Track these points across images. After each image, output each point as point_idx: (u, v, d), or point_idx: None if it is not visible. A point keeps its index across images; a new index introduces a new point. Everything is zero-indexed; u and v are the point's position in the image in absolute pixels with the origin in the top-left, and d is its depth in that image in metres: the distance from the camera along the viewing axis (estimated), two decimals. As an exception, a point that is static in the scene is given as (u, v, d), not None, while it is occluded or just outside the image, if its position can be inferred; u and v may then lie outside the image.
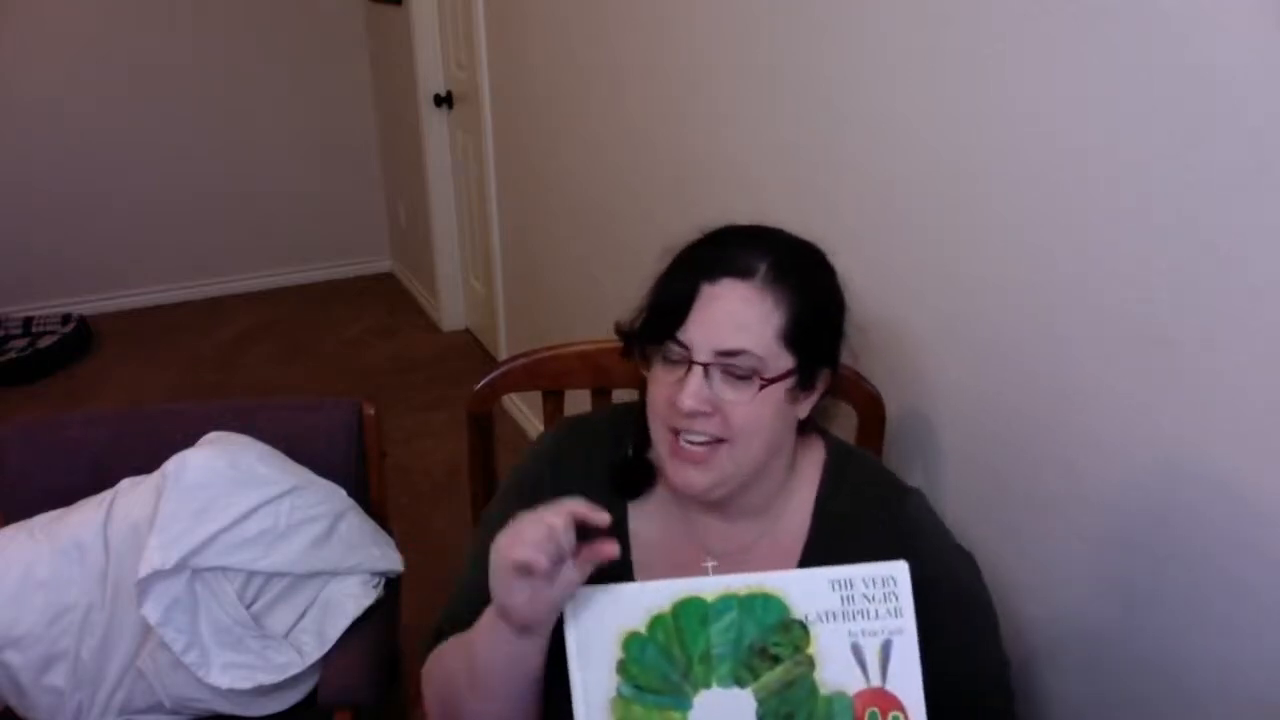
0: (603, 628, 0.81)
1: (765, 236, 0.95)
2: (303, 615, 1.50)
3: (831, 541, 0.98)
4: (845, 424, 1.24)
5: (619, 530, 0.97)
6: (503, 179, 3.06)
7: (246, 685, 1.40)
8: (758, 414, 0.90)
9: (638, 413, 1.02)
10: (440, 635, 1.00)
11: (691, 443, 0.90)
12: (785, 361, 0.90)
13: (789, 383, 0.91)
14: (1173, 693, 1.02)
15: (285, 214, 4.47)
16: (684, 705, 0.80)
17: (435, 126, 3.69)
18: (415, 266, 4.37)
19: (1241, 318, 0.88)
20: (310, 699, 1.47)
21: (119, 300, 4.29)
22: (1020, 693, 1.00)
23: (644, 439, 1.01)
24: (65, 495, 1.53)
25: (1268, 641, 0.91)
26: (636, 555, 0.99)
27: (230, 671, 1.40)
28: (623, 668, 0.81)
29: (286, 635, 1.48)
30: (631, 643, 0.81)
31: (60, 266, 4.14)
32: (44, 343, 3.73)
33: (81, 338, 3.88)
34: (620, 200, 2.20)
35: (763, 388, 0.89)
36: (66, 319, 3.92)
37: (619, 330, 1.00)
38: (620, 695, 0.80)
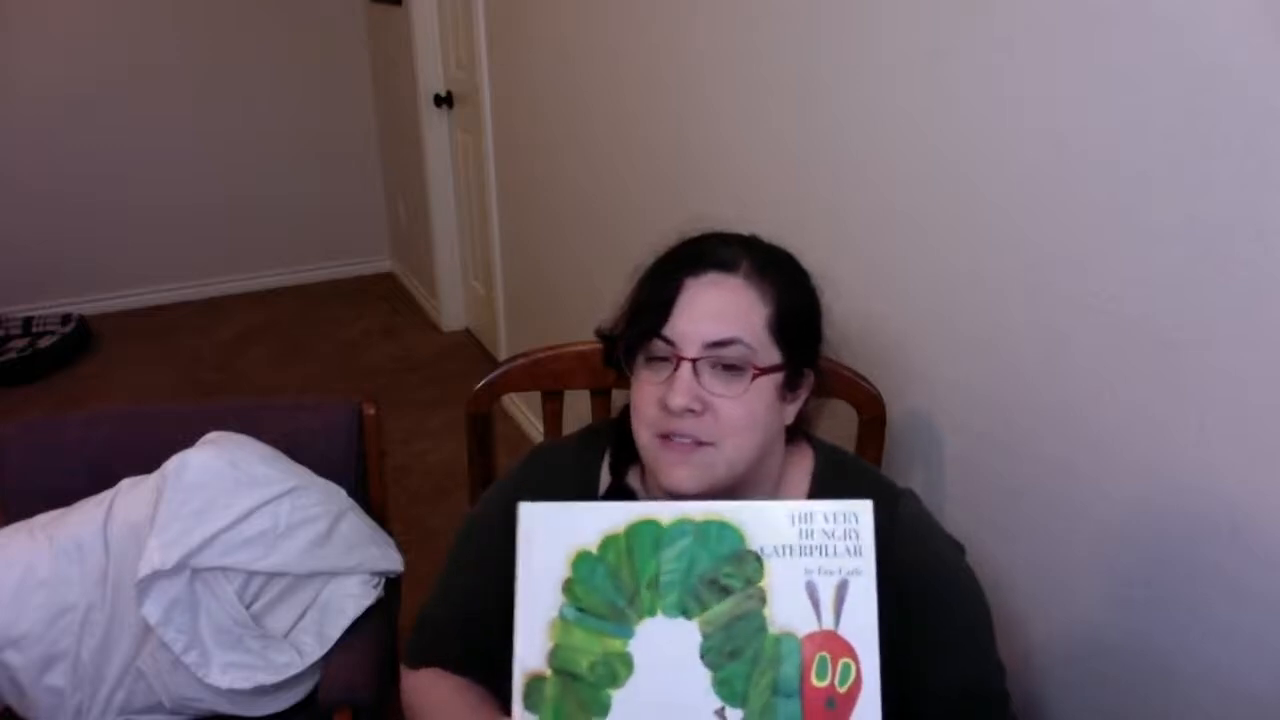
0: (554, 544, 0.78)
1: (743, 237, 0.94)
2: (303, 615, 1.50)
3: None
4: (846, 424, 1.24)
5: None
6: (503, 179, 3.06)
7: (246, 685, 1.40)
8: (750, 409, 0.87)
9: (614, 436, 0.99)
10: (421, 647, 1.01)
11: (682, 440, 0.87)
12: (775, 355, 0.88)
13: (779, 377, 0.89)
14: (1171, 693, 1.02)
15: (285, 214, 4.47)
16: (625, 633, 0.77)
17: (435, 126, 3.69)
18: (415, 266, 4.37)
19: (1241, 318, 0.88)
20: (310, 699, 1.47)
21: (119, 300, 4.29)
22: (1018, 693, 1.00)
23: (621, 463, 0.98)
24: (65, 495, 1.53)
25: (1266, 642, 0.91)
26: None
27: (230, 671, 1.40)
28: (569, 588, 0.78)
29: (286, 635, 1.48)
30: (581, 562, 0.78)
31: (60, 266, 4.14)
32: (44, 343, 3.73)
33: (81, 338, 3.88)
34: (620, 200, 2.20)
35: (756, 377, 0.86)
36: (66, 319, 3.92)
37: (599, 334, 0.98)
38: (562, 617, 0.77)
